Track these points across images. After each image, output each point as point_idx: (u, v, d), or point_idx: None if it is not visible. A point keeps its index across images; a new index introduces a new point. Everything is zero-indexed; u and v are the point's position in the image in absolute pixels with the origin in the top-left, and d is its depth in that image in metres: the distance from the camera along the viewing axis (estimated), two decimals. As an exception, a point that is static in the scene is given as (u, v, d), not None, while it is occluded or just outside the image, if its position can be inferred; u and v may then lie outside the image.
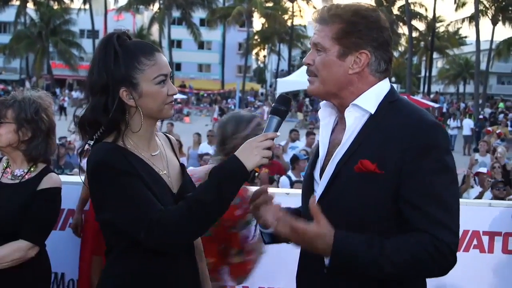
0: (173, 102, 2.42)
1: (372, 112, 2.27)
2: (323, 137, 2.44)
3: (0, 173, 3.33)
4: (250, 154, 2.20)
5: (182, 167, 2.60)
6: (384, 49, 2.29)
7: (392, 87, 2.35)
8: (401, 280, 2.23)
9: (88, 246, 3.97)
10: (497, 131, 23.00)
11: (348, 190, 2.24)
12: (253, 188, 3.11)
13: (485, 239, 4.09)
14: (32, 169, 3.32)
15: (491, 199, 8.75)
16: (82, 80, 61.55)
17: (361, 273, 2.15)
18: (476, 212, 4.07)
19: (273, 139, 2.26)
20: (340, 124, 2.40)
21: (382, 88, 2.31)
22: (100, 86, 2.31)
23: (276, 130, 2.30)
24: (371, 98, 2.28)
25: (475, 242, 4.08)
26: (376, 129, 2.24)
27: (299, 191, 6.16)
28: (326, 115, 2.46)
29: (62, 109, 37.36)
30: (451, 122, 31.48)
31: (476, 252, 4.09)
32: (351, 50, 2.26)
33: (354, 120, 2.28)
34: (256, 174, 2.27)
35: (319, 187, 2.35)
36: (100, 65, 2.31)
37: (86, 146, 2.39)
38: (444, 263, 2.12)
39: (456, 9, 51.91)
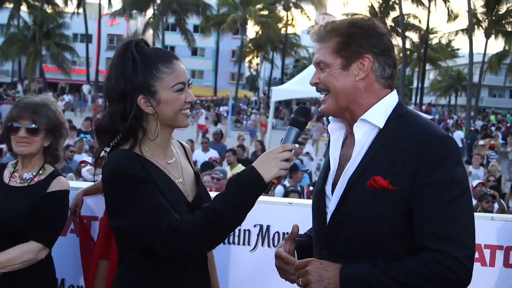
0: (188, 111, 2.40)
1: (381, 127, 2.27)
2: (333, 152, 2.44)
3: (8, 177, 3.33)
4: (268, 166, 2.19)
5: (197, 175, 2.59)
6: (387, 54, 2.30)
7: (400, 100, 2.34)
8: None
9: (98, 251, 3.93)
10: (490, 142, 23.10)
11: (361, 206, 2.24)
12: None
13: (487, 253, 4.08)
14: (40, 172, 3.34)
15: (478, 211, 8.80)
16: (74, 84, 61.47)
17: None
18: (477, 225, 4.05)
19: (291, 150, 2.25)
20: (349, 138, 2.40)
21: (390, 101, 2.31)
22: (118, 93, 2.30)
23: (295, 141, 2.29)
24: (379, 112, 2.29)
25: (476, 255, 4.06)
26: (386, 143, 2.24)
27: (302, 201, 6.18)
28: (335, 129, 2.46)
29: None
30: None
31: (477, 266, 4.06)
32: (353, 59, 2.28)
33: (363, 135, 2.29)
34: (274, 185, 2.26)
35: (331, 202, 2.35)
36: (118, 72, 2.31)
37: (103, 153, 2.38)
38: (453, 278, 2.09)
39: (448, 21, 52.17)
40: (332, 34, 2.30)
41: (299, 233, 2.56)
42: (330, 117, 2.47)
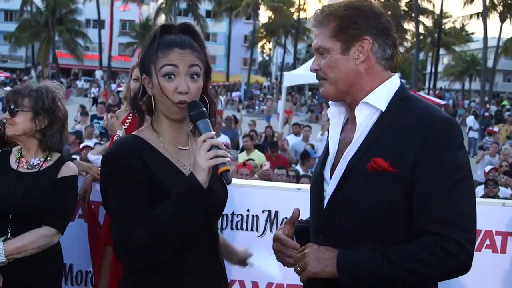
0: (182, 104, 2.28)
1: (383, 110, 2.24)
2: (332, 136, 2.41)
3: (15, 163, 3.34)
4: (196, 165, 2.16)
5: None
6: (386, 34, 2.25)
7: (402, 83, 2.32)
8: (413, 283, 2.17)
9: (104, 237, 3.95)
10: (488, 128, 22.96)
11: (360, 189, 2.21)
12: None
13: (498, 239, 4.04)
14: (48, 158, 3.36)
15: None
16: (87, 69, 61.64)
17: (372, 284, 2.14)
18: (489, 211, 4.01)
19: (212, 138, 2.18)
20: (350, 122, 2.37)
21: (392, 84, 2.28)
22: (139, 71, 2.42)
23: (210, 130, 2.23)
24: (381, 95, 2.25)
25: (487, 242, 4.03)
26: (388, 126, 2.21)
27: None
28: (335, 114, 2.43)
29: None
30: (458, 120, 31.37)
31: (488, 252, 4.03)
32: (352, 42, 2.24)
33: (365, 118, 2.25)
34: (227, 173, 2.18)
35: (330, 185, 2.32)
36: (141, 52, 2.40)
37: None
38: (455, 262, 2.08)
39: (464, 5, 51.66)
40: (330, 18, 2.27)
41: (300, 218, 2.53)
42: (330, 101, 2.43)
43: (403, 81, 2.34)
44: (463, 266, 2.10)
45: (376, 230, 2.17)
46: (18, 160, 3.35)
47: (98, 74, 53.81)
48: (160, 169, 2.26)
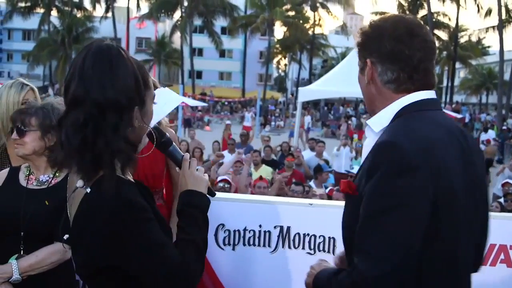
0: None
1: (377, 132, 2.22)
2: (363, 156, 2.39)
3: (24, 180, 3.36)
4: (198, 182, 2.29)
5: None
6: (392, 60, 2.18)
7: (413, 102, 2.18)
8: None
9: None
10: None
11: (344, 211, 2.28)
12: None
13: (513, 254, 3.99)
14: (57, 174, 3.37)
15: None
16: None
17: None
18: (503, 225, 3.98)
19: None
20: None
21: (398, 105, 2.19)
22: (118, 103, 2.05)
23: (182, 153, 2.37)
24: (381, 118, 2.23)
25: (502, 256, 3.98)
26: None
27: (323, 201, 6.15)
28: (369, 134, 2.37)
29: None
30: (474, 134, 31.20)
31: (503, 267, 3.99)
32: (363, 61, 2.26)
33: (368, 141, 2.26)
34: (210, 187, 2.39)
35: None
36: (119, 79, 2.03)
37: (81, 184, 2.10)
38: None
39: (484, 17, 51.43)
40: (357, 35, 2.31)
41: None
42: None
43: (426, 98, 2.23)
44: None
45: (349, 250, 2.16)
46: (27, 177, 3.37)
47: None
48: (150, 202, 2.18)
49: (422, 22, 2.21)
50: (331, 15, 61.54)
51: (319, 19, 62.59)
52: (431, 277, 2.02)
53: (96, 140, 1.97)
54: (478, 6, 52.38)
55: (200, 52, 69.85)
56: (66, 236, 2.13)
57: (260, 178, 9.21)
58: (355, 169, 12.46)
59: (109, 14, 59.27)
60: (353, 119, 43.79)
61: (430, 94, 2.21)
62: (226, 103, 55.08)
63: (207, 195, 2.32)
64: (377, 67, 2.21)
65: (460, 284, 2.11)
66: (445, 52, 61.86)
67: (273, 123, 43.18)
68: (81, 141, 1.98)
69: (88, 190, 2.04)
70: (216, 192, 3.94)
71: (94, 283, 2.16)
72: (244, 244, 4.02)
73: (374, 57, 2.21)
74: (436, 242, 1.99)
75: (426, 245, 1.96)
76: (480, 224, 2.21)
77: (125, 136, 2.01)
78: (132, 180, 2.18)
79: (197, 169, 2.30)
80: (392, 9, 56.92)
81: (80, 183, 2.07)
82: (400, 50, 2.16)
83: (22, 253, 3.20)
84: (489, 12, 50.84)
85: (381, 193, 1.96)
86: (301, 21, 60.58)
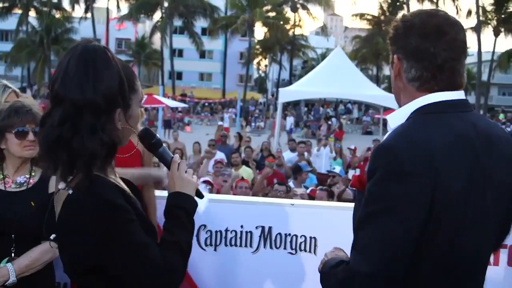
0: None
1: (392, 128, 2.19)
2: None
3: (1, 184, 3.33)
4: (187, 184, 2.30)
5: None
6: (416, 57, 2.14)
7: (429, 104, 2.14)
8: None
9: None
10: None
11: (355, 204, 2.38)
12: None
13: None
14: (32, 173, 3.37)
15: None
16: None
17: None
18: None
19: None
20: None
21: (415, 104, 2.16)
22: (96, 105, 2.06)
23: (170, 155, 2.38)
24: (398, 115, 2.20)
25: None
26: None
27: (304, 202, 6.18)
28: (389, 128, 2.34)
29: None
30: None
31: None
32: (392, 56, 2.24)
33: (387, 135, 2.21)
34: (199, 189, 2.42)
35: None
36: (100, 80, 2.05)
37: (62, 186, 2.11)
38: None
39: (466, 17, 51.96)
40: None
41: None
42: None
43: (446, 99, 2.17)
44: None
45: None
46: (2, 181, 3.33)
47: (95, 92, 53.81)
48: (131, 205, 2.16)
49: (457, 20, 2.15)
50: (311, 16, 61.84)
51: (299, 20, 62.84)
52: (431, 278, 2.05)
53: (72, 140, 1.99)
54: (456, 7, 52.94)
55: (180, 53, 69.71)
56: (52, 236, 2.17)
57: (242, 178, 9.21)
58: (337, 170, 12.51)
59: (89, 15, 58.91)
60: (333, 119, 44.04)
61: (455, 95, 2.15)
62: (206, 104, 55.09)
63: (196, 197, 2.34)
64: (403, 63, 2.18)
65: (462, 285, 2.11)
66: (424, 53, 62.33)
67: (253, 124, 43.22)
68: (57, 139, 2.00)
69: (70, 191, 2.05)
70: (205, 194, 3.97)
71: (82, 283, 2.17)
72: (226, 245, 4.03)
73: (400, 53, 2.18)
74: (435, 244, 2.01)
75: (424, 247, 2.00)
76: (495, 225, 2.17)
77: (102, 137, 2.01)
78: (117, 180, 2.19)
79: (186, 171, 2.32)
80: (372, 10, 57.19)
81: (62, 185, 2.09)
82: (425, 48, 2.11)
83: (13, 255, 3.19)
84: (469, 13, 51.38)
85: (375, 196, 1.99)
86: (281, 22, 60.72)
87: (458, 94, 2.16)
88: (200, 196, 2.39)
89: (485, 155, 2.07)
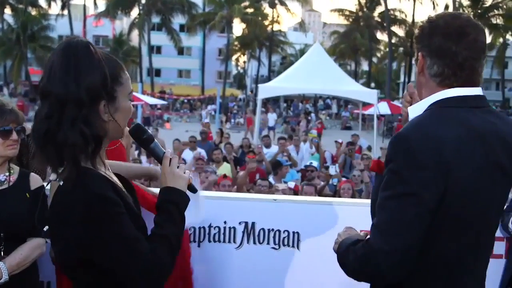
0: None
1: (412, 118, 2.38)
2: None
3: None
4: (178, 179, 2.33)
5: None
6: (439, 55, 2.31)
7: (446, 99, 2.31)
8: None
9: None
10: None
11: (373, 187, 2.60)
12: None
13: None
14: (11, 171, 3.37)
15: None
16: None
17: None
18: None
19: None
20: None
21: (434, 98, 2.33)
22: (78, 97, 2.10)
23: (162, 151, 2.41)
24: (419, 106, 2.39)
25: None
26: None
27: (287, 197, 6.22)
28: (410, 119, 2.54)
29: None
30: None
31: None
32: (417, 53, 2.41)
33: None
34: (192, 184, 2.46)
35: None
36: (80, 73, 2.09)
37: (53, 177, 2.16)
38: (367, 267, 2.19)
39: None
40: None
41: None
42: None
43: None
44: (373, 274, 2.19)
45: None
46: None
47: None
48: (120, 198, 2.19)
49: (478, 23, 2.34)
50: (290, 12, 61.87)
51: (278, 16, 62.91)
52: (437, 261, 2.24)
53: (57, 133, 2.05)
54: (433, 2, 53.39)
55: (158, 49, 69.42)
56: (46, 228, 2.18)
57: (224, 176, 9.21)
58: (314, 164, 12.52)
59: (65, 12, 58.49)
60: (312, 115, 44.18)
61: (472, 91, 2.31)
62: (185, 101, 54.94)
63: (189, 192, 2.37)
64: (427, 60, 2.35)
65: (468, 270, 2.30)
66: (401, 48, 62.85)
67: (232, 120, 43.22)
68: (45, 132, 2.07)
69: (61, 183, 2.10)
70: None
71: (72, 275, 2.21)
72: (209, 241, 4.03)
73: (425, 50, 2.35)
74: (445, 231, 2.20)
75: (434, 232, 2.18)
76: (496, 216, 2.42)
77: (82, 129, 2.05)
78: (107, 173, 2.23)
79: (178, 167, 2.34)
80: (350, 6, 57.45)
81: (53, 176, 2.14)
82: (448, 47, 2.28)
83: (2, 254, 3.19)
84: (446, 8, 51.79)
85: (394, 181, 2.17)
86: (259, 18, 60.72)
87: (476, 91, 2.32)
88: (194, 190, 2.44)
89: (496, 149, 2.24)
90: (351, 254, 2.27)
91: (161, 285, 2.23)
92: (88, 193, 2.04)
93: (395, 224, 2.13)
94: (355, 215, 3.94)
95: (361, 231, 2.62)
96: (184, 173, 2.36)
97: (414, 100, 2.60)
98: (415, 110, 2.38)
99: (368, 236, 2.30)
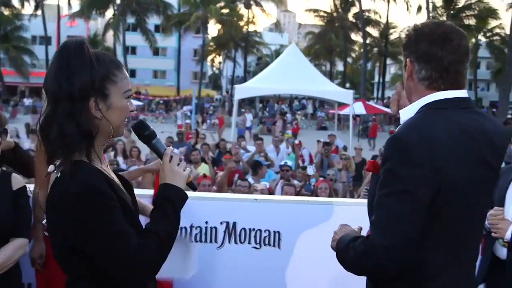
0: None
1: (403, 121, 2.51)
2: None
3: None
4: (176, 176, 2.38)
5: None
6: (426, 60, 2.45)
7: (435, 101, 2.45)
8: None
9: None
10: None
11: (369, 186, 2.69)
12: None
13: None
14: None
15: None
16: (34, 87, 60.59)
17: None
18: None
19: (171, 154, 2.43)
20: None
21: (424, 101, 2.47)
22: (68, 94, 2.21)
23: (164, 147, 2.46)
24: (409, 109, 2.52)
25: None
26: None
27: (268, 197, 6.25)
28: (401, 121, 2.64)
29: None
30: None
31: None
32: (405, 59, 2.55)
33: None
34: (192, 182, 2.53)
35: None
36: (71, 71, 2.20)
37: (51, 168, 2.25)
38: (368, 262, 2.30)
39: (416, 13, 52.96)
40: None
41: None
42: None
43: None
44: (378, 267, 2.29)
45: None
46: None
47: (46, 91, 52.87)
48: (114, 192, 2.24)
49: (460, 29, 2.48)
50: (265, 12, 61.87)
51: (253, 17, 62.89)
52: (434, 253, 2.35)
53: (52, 127, 2.17)
54: (407, 3, 53.85)
55: (133, 50, 68.97)
56: (44, 221, 2.29)
57: (204, 176, 9.24)
58: (289, 163, 12.53)
59: (39, 12, 57.82)
60: (288, 115, 44.28)
61: (459, 93, 2.46)
62: (161, 101, 54.67)
63: (188, 190, 2.42)
64: (415, 66, 2.49)
65: (460, 262, 2.43)
66: (376, 49, 63.25)
67: (208, 121, 43.11)
68: (44, 126, 2.20)
69: (58, 174, 2.18)
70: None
71: (67, 267, 2.27)
72: (191, 241, 4.07)
73: (412, 56, 2.49)
74: (439, 224, 2.32)
75: (430, 226, 2.30)
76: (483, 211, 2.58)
77: (78, 122, 2.17)
78: (103, 168, 2.30)
79: (178, 164, 2.39)
80: (325, 7, 57.71)
81: (51, 168, 2.23)
82: (434, 52, 2.43)
83: None
84: (419, 9, 52.34)
85: (390, 180, 2.30)
86: (235, 19, 60.66)
87: (462, 93, 2.47)
88: (194, 188, 2.53)
89: (483, 147, 2.39)
90: (351, 250, 2.38)
91: (152, 280, 2.32)
92: (80, 185, 2.11)
93: (393, 220, 2.25)
94: (335, 214, 4.02)
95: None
96: (184, 170, 2.40)
97: (402, 99, 2.74)
98: (407, 113, 2.50)
99: (365, 233, 2.42)
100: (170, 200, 2.32)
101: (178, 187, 2.36)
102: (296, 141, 17.21)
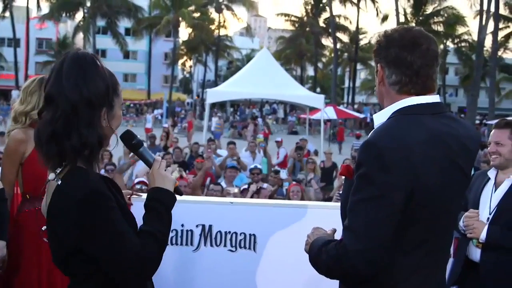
0: None
1: (376, 126, 2.53)
2: None
3: None
4: (165, 180, 2.47)
5: None
6: (396, 65, 2.49)
7: (407, 107, 2.47)
8: None
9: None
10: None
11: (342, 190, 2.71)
12: None
13: None
14: None
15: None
16: (2, 89, 59.72)
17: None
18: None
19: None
20: None
21: (396, 106, 2.50)
22: (88, 103, 2.32)
23: (152, 155, 2.58)
24: (382, 115, 2.55)
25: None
26: None
27: (243, 200, 6.26)
28: (375, 126, 2.66)
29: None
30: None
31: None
32: (376, 65, 2.59)
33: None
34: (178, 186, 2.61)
35: None
36: (92, 82, 2.31)
37: (52, 176, 2.30)
38: (340, 265, 2.33)
39: (381, 22, 53.47)
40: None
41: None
42: None
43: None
44: (348, 271, 2.32)
45: None
46: None
47: (15, 94, 52.15)
48: (114, 197, 2.34)
49: (429, 34, 2.52)
50: (236, 17, 61.96)
51: (224, 21, 62.92)
52: (407, 255, 2.39)
53: (69, 134, 2.22)
54: (377, 10, 54.36)
55: (103, 53, 68.41)
56: (44, 228, 2.32)
57: (181, 177, 9.26)
58: (259, 167, 12.56)
59: (7, 14, 57.03)
60: (259, 119, 44.35)
61: (430, 98, 2.50)
62: (131, 105, 54.35)
63: (173, 195, 2.49)
64: (385, 71, 2.52)
65: (432, 264, 2.47)
66: (346, 54, 63.70)
67: (179, 124, 42.97)
68: (51, 135, 2.23)
69: (59, 182, 2.24)
70: (141, 195, 3.99)
71: (66, 268, 2.32)
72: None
73: (383, 62, 2.53)
74: (413, 228, 2.35)
75: (404, 229, 2.33)
76: (455, 214, 2.63)
77: (97, 130, 2.28)
78: (100, 174, 2.39)
79: (165, 169, 2.49)
80: (296, 12, 57.94)
81: (52, 176, 2.28)
82: (403, 56, 2.46)
83: None
84: (385, 18, 52.88)
85: (364, 185, 2.32)
86: (206, 23, 60.61)
87: (434, 98, 2.51)
88: (179, 193, 2.59)
89: (455, 151, 2.43)
90: (323, 254, 2.41)
91: (149, 279, 2.41)
92: (85, 190, 2.19)
93: (368, 225, 2.28)
94: (310, 217, 4.06)
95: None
96: (172, 175, 2.51)
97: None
98: (380, 118, 2.53)
99: (338, 238, 2.45)
100: (162, 202, 2.41)
101: (168, 190, 2.45)
102: (278, 139, 17.37)
